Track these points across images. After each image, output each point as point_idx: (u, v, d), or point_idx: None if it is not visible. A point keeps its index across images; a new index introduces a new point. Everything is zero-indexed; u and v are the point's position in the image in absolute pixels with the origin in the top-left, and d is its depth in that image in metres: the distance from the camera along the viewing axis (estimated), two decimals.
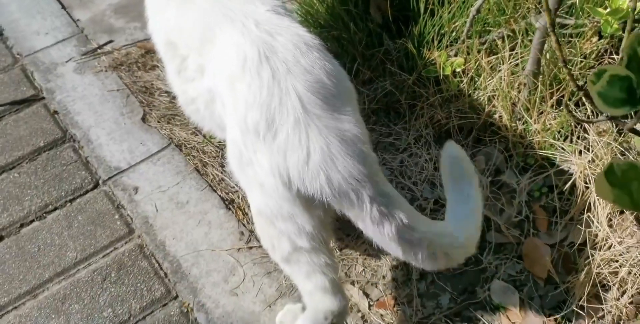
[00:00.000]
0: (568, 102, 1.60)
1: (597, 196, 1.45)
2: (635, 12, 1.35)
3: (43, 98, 2.10)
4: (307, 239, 1.11)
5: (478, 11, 1.61)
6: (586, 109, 1.59)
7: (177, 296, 1.56)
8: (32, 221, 1.77)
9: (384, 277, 1.54)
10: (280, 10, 1.21)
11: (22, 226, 1.76)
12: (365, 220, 1.03)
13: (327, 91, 1.05)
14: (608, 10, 1.37)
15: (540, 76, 1.56)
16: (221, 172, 1.81)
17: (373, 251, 1.56)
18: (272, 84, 1.04)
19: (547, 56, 1.56)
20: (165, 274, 1.61)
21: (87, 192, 1.83)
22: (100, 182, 1.85)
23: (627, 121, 0.65)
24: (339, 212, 1.06)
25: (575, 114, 1.58)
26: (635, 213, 0.62)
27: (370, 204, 1.01)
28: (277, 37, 1.10)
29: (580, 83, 1.47)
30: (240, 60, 1.08)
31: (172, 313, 1.53)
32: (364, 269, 1.56)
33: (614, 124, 1.55)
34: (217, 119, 1.27)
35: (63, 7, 2.38)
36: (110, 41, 2.26)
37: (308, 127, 1.00)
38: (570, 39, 1.58)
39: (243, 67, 1.07)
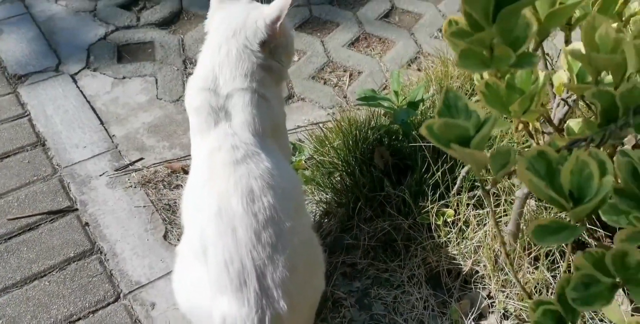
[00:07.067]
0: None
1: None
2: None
3: (76, 209, 2.32)
4: None
5: (467, 173, 1.84)
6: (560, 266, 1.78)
7: None
8: None
9: None
10: None
11: None
12: None
13: None
14: None
15: (520, 237, 1.76)
16: None
17: None
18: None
19: (526, 218, 1.77)
20: None
21: (108, 304, 2.01)
22: (121, 295, 2.03)
23: None
24: None
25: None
26: None
27: None
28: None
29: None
30: None
31: None
32: None
33: None
34: None
35: (102, 123, 2.65)
36: (141, 159, 2.49)
37: None
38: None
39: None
